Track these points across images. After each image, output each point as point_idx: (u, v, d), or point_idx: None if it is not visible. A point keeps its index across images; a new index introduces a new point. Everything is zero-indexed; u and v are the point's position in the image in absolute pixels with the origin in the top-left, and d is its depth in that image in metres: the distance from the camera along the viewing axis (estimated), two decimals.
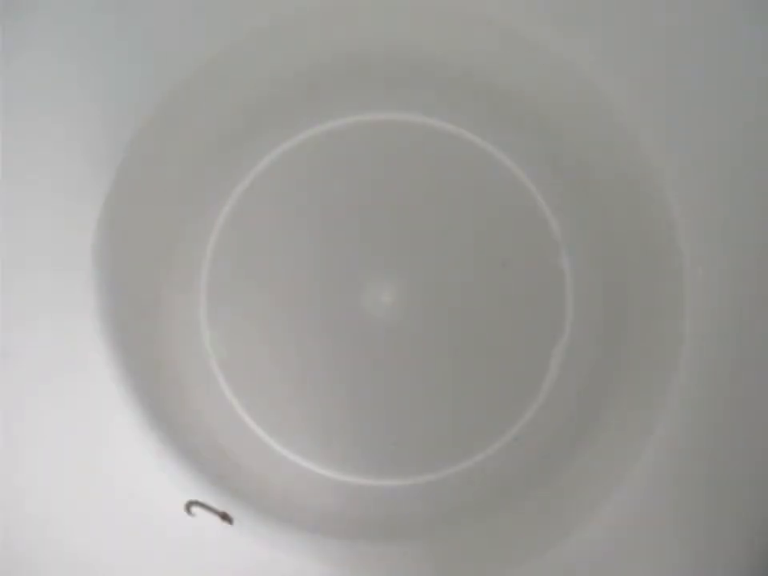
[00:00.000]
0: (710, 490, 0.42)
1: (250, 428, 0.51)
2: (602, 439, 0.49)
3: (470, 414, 0.52)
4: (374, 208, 0.52)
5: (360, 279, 0.52)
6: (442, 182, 0.52)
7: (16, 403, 0.41)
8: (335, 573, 0.47)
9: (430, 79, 0.51)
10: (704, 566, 0.41)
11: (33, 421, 0.42)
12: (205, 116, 0.50)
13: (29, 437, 0.42)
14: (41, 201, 0.43)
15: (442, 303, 0.52)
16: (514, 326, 0.52)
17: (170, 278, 0.51)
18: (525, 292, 0.52)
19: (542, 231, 0.52)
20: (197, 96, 0.48)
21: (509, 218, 0.52)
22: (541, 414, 0.51)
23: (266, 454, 0.51)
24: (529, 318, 0.52)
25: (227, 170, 0.51)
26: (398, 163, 0.52)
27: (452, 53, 0.49)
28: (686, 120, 0.44)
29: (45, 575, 0.40)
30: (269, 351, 0.52)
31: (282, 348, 0.52)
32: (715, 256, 0.44)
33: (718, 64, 0.41)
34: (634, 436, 0.47)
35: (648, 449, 0.46)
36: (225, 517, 0.47)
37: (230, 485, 0.49)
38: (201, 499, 0.48)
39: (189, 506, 0.47)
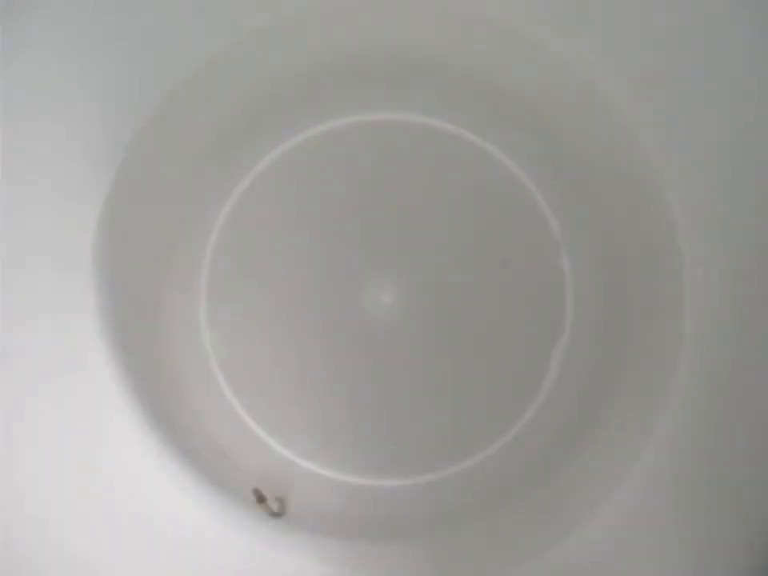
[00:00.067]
0: (710, 490, 0.42)
1: (250, 428, 0.51)
2: (601, 439, 0.49)
3: (470, 414, 0.52)
4: (374, 208, 0.52)
5: (360, 279, 0.52)
6: (442, 181, 0.52)
7: (16, 403, 0.41)
8: (335, 573, 0.47)
9: (430, 79, 0.51)
10: (704, 566, 0.41)
11: (33, 421, 0.42)
12: (205, 116, 0.50)
13: (29, 437, 0.42)
14: (41, 201, 0.43)
15: (442, 303, 0.52)
16: (514, 326, 0.52)
17: (170, 277, 0.51)
18: (525, 292, 0.52)
19: (542, 231, 0.52)
20: (197, 96, 0.48)
21: (509, 218, 0.52)
22: (541, 413, 0.51)
23: (266, 454, 0.51)
24: (529, 318, 0.52)
25: (227, 170, 0.51)
26: (398, 163, 0.52)
27: (452, 53, 0.49)
28: (686, 120, 0.44)
29: (45, 575, 0.40)
30: (269, 351, 0.52)
31: (282, 348, 0.52)
32: (715, 256, 0.44)
33: (718, 64, 0.41)
34: (633, 436, 0.47)
35: (648, 449, 0.46)
36: (275, 513, 0.49)
37: (230, 485, 0.49)
38: (204, 499, 0.48)
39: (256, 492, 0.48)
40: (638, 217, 0.49)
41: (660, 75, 0.43)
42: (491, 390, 0.52)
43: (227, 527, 0.48)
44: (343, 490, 0.51)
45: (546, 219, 0.52)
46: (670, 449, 0.45)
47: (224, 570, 0.47)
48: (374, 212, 0.52)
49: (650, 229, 0.48)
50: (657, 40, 0.42)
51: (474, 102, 0.51)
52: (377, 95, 0.51)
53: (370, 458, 0.51)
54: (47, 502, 0.42)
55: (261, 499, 0.48)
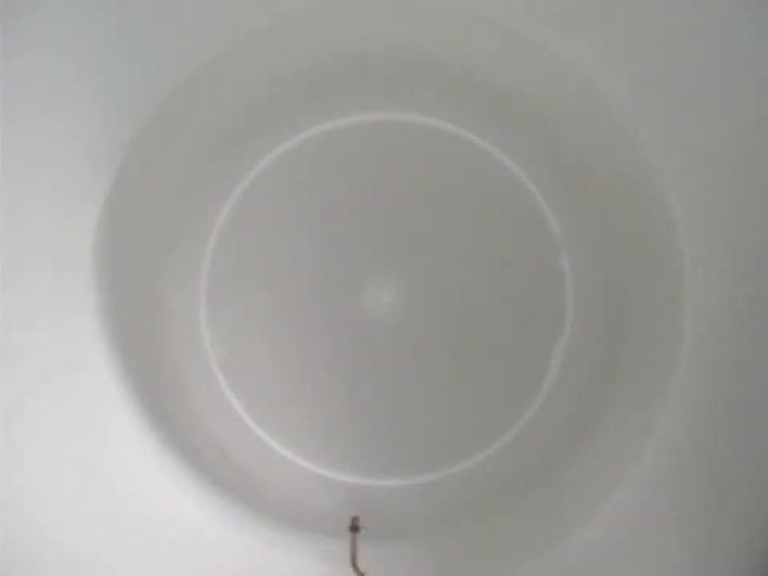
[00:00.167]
0: (710, 490, 0.42)
1: (250, 428, 0.51)
2: (602, 439, 0.49)
3: (470, 414, 0.52)
4: (374, 208, 0.52)
5: (360, 279, 0.52)
6: (442, 181, 0.52)
7: (16, 403, 0.41)
8: (335, 573, 0.47)
9: (430, 79, 0.51)
10: (704, 566, 0.41)
11: (33, 421, 0.42)
12: (205, 116, 0.50)
13: (29, 437, 0.42)
14: (41, 201, 0.43)
15: (442, 303, 0.52)
16: (513, 326, 0.52)
17: (170, 278, 0.51)
18: (525, 292, 0.52)
19: (542, 231, 0.52)
20: (197, 96, 0.48)
21: (509, 218, 0.52)
22: (541, 413, 0.51)
23: (265, 453, 0.51)
24: (529, 317, 0.52)
25: (227, 170, 0.51)
26: (398, 163, 0.52)
27: (452, 53, 0.49)
28: (686, 120, 0.44)
29: (45, 575, 0.40)
30: (269, 351, 0.52)
31: (282, 348, 0.52)
32: (715, 256, 0.44)
33: (718, 64, 0.41)
34: (634, 436, 0.47)
35: (648, 449, 0.46)
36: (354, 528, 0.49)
37: (230, 485, 0.49)
38: (204, 499, 0.48)
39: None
40: (638, 217, 0.49)
41: (660, 75, 0.43)
42: (491, 390, 0.52)
43: (227, 527, 0.48)
44: (343, 490, 0.51)
45: (546, 219, 0.52)
46: (670, 449, 0.45)
47: (224, 569, 0.47)
48: (374, 212, 0.52)
49: (650, 229, 0.48)
50: (657, 40, 0.42)
51: (474, 102, 0.51)
52: (377, 95, 0.51)
53: (370, 458, 0.51)
54: (47, 502, 0.42)
55: (354, 529, 0.48)
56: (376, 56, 0.50)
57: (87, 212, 0.46)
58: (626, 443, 0.47)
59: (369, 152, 0.52)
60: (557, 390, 0.51)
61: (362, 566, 0.47)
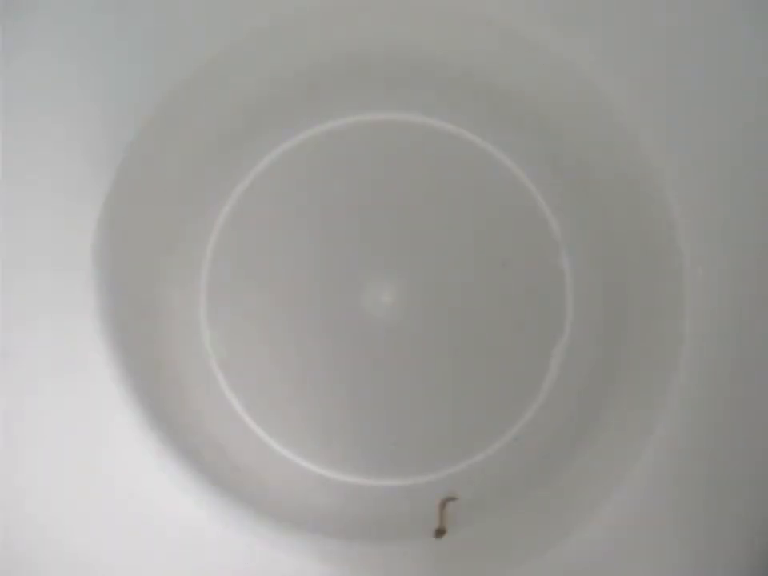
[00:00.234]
0: (710, 490, 0.42)
1: (250, 428, 0.51)
2: (602, 439, 0.49)
3: (470, 414, 0.52)
4: (374, 208, 0.52)
5: (360, 279, 0.52)
6: (442, 181, 0.52)
7: (16, 403, 0.41)
8: (335, 573, 0.47)
9: (430, 79, 0.51)
10: (704, 566, 0.41)
11: (33, 421, 0.42)
12: (205, 116, 0.50)
13: (29, 437, 0.42)
14: (41, 201, 0.43)
15: (442, 303, 0.52)
16: (513, 326, 0.52)
17: (170, 278, 0.51)
18: (525, 292, 0.52)
19: (542, 231, 0.52)
20: (197, 96, 0.48)
21: (509, 218, 0.52)
22: (541, 413, 0.51)
23: (265, 453, 0.51)
24: (529, 318, 0.52)
25: (227, 170, 0.51)
26: (398, 163, 0.52)
27: (452, 53, 0.49)
28: (686, 120, 0.44)
29: (45, 575, 0.40)
30: (269, 351, 0.52)
31: (282, 348, 0.52)
32: (715, 256, 0.44)
33: (718, 64, 0.41)
34: (634, 436, 0.47)
35: (648, 449, 0.46)
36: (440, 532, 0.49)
37: (230, 485, 0.49)
38: (204, 499, 0.48)
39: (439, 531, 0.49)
40: (638, 217, 0.49)
41: (660, 75, 0.43)
42: (491, 389, 0.52)
43: (227, 527, 0.48)
44: (343, 490, 0.51)
45: (546, 219, 0.52)
46: (670, 449, 0.45)
47: (224, 569, 0.47)
48: (374, 212, 0.52)
49: (650, 229, 0.48)
50: (657, 40, 0.42)
51: (474, 101, 0.51)
52: (377, 95, 0.51)
53: (369, 458, 0.51)
54: (47, 502, 0.42)
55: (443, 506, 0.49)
56: (376, 56, 0.50)
57: (87, 212, 0.46)
58: (626, 443, 0.47)
59: (369, 152, 0.52)
60: (557, 390, 0.51)
61: (362, 566, 0.47)
